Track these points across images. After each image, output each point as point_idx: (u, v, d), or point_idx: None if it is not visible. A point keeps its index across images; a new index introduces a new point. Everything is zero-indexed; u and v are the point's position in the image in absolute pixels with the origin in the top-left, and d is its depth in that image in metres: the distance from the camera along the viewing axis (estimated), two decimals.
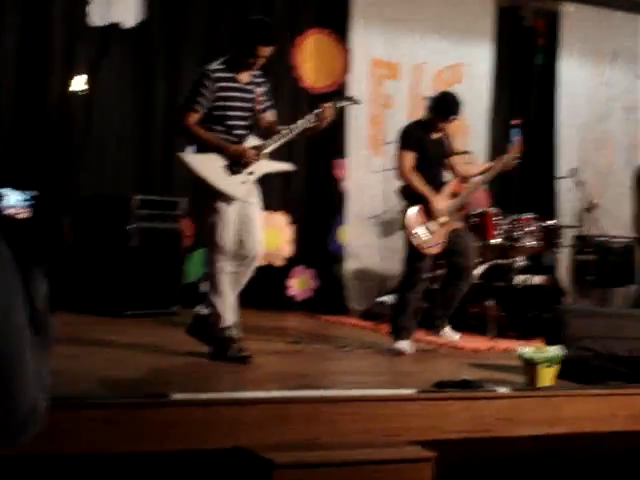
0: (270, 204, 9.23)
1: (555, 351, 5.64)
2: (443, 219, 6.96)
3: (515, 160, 7.34)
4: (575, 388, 5.67)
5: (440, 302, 7.22)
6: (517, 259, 8.57)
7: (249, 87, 6.10)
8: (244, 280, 6.09)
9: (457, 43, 9.93)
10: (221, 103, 5.97)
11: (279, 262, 9.36)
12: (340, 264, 9.56)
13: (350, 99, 6.82)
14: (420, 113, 9.60)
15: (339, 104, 6.51)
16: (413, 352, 6.83)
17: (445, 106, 7.05)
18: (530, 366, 5.61)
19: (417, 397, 5.20)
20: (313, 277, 9.48)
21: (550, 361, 5.58)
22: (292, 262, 9.44)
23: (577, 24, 10.43)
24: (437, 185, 7.02)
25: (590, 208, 9.76)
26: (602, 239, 9.79)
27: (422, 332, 7.29)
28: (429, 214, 6.93)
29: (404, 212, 7.00)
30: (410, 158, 6.91)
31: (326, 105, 6.18)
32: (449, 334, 7.21)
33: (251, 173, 6.02)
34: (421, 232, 6.89)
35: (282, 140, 6.16)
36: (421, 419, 5.12)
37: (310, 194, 9.51)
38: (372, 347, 7.05)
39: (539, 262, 9.30)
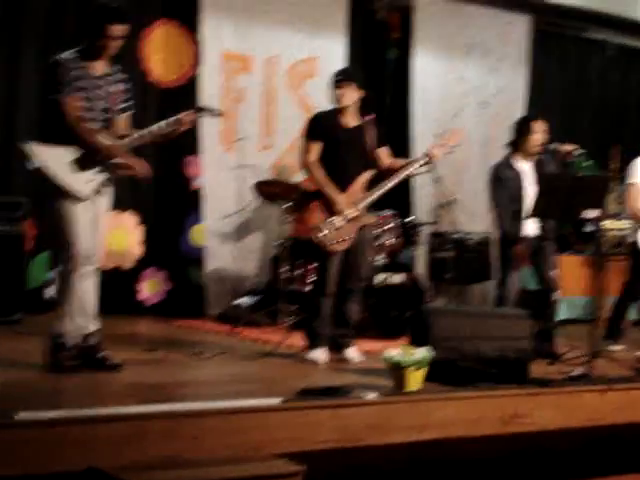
0: (118, 203, 8.76)
1: (423, 353, 5.44)
2: (351, 213, 6.62)
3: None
4: (444, 391, 5.49)
5: (339, 319, 6.74)
6: (376, 257, 8.37)
7: (103, 80, 5.75)
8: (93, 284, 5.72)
9: (310, 36, 9.66)
10: (73, 94, 5.57)
11: (128, 264, 8.93)
12: (194, 265, 9.17)
13: (212, 110, 6.42)
14: (272, 108, 9.42)
15: (200, 114, 6.24)
16: (327, 361, 6.54)
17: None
18: (398, 370, 5.41)
19: (282, 407, 4.91)
20: (165, 280, 9.07)
21: (418, 364, 5.40)
22: (142, 264, 9.00)
23: (430, 18, 10.30)
24: (349, 177, 6.66)
25: (446, 204, 9.62)
26: (458, 235, 9.69)
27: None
28: (332, 209, 6.57)
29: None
30: (312, 148, 6.57)
31: (186, 113, 5.94)
32: (354, 354, 6.75)
33: (99, 172, 5.63)
34: (324, 228, 6.55)
35: (137, 142, 5.81)
36: (287, 430, 4.87)
37: (160, 193, 9.08)
38: (231, 353, 6.73)
39: (396, 260, 9.11)
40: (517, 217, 7.32)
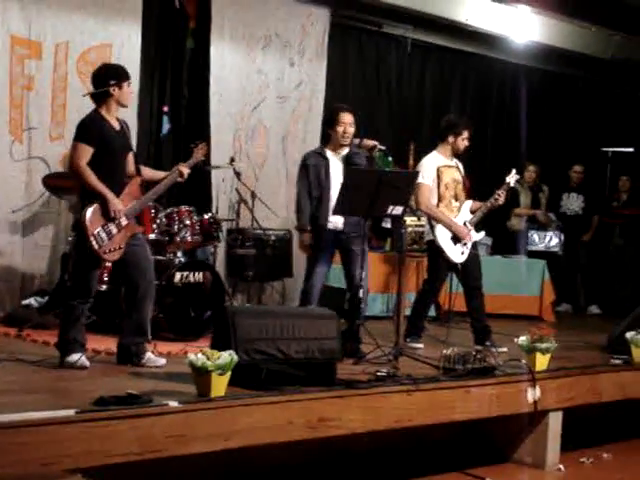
0: None
1: (227, 357, 5.14)
2: (123, 221, 6.22)
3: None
4: (250, 396, 5.23)
5: (131, 328, 6.35)
6: (176, 255, 8.05)
7: None
8: None
9: (104, 22, 9.19)
10: None
11: None
12: None
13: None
14: (64, 96, 8.92)
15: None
16: (89, 366, 6.10)
17: (114, 71, 6.37)
18: (202, 374, 5.10)
19: (75, 419, 4.53)
20: None
21: (222, 368, 5.10)
22: None
23: (229, 7, 10.02)
24: (119, 182, 6.27)
25: (246, 200, 9.39)
26: (259, 232, 9.46)
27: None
28: (107, 215, 6.16)
29: (78, 210, 6.19)
30: (84, 151, 6.09)
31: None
32: (152, 360, 6.35)
33: None
34: (99, 235, 6.12)
35: None
36: (82, 443, 4.55)
37: None
38: (19, 358, 6.24)
39: (194, 257, 8.81)
40: (318, 206, 7.22)
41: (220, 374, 5.09)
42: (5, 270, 8.69)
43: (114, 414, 4.65)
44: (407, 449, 6.43)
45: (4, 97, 8.63)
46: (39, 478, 4.26)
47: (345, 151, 7.32)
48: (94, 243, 6.09)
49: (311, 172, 7.34)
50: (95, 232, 6.08)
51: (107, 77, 6.27)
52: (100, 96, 6.24)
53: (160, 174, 6.66)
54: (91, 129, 6.17)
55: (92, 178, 6.08)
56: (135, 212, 6.34)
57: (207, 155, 9.70)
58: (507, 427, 6.81)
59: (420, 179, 7.56)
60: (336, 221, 7.27)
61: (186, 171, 6.58)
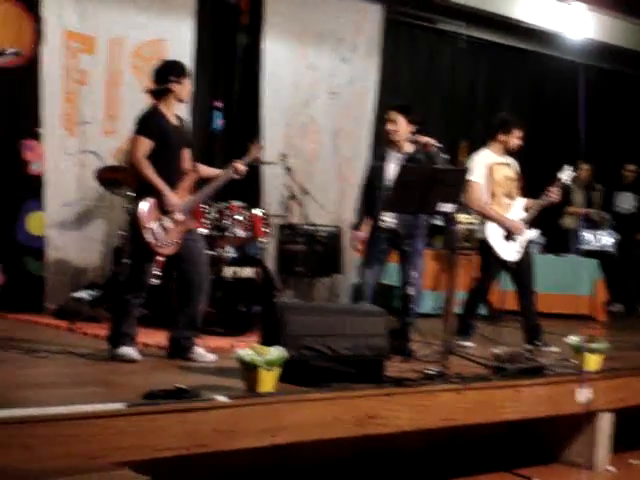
0: None
1: (276, 352, 5.14)
2: (179, 216, 6.25)
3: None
4: (298, 392, 5.23)
5: (183, 322, 6.39)
6: (226, 250, 8.07)
7: None
8: None
9: (157, 18, 9.26)
10: None
11: None
12: (32, 256, 8.67)
13: None
14: (117, 92, 8.98)
15: None
16: (140, 359, 6.13)
17: (174, 67, 6.40)
18: (250, 370, 5.09)
19: (125, 412, 4.55)
20: None
21: (271, 364, 5.10)
22: None
23: (281, 3, 10.05)
24: (176, 178, 6.30)
25: (297, 196, 9.40)
26: (309, 228, 9.47)
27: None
28: (163, 209, 6.20)
29: (135, 204, 6.20)
30: (144, 144, 6.13)
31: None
32: (202, 355, 6.38)
33: None
34: (155, 229, 6.16)
35: None
36: (131, 437, 4.53)
37: None
38: (70, 351, 6.29)
39: (245, 253, 8.83)
40: (371, 206, 7.20)
41: (268, 370, 5.08)
42: (58, 263, 8.77)
43: (163, 408, 4.65)
44: (454, 448, 6.40)
45: (58, 91, 8.71)
46: (87, 471, 4.24)
47: (407, 150, 7.29)
48: (149, 237, 6.12)
49: (371, 173, 7.36)
50: (150, 226, 6.12)
51: (168, 73, 6.33)
52: (160, 92, 6.30)
53: (215, 171, 6.68)
54: (151, 123, 6.22)
55: (150, 172, 6.12)
56: (191, 207, 6.37)
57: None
58: (557, 427, 6.76)
59: (470, 176, 7.50)
60: (389, 220, 7.23)
61: (242, 168, 6.58)
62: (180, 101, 6.42)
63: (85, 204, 8.90)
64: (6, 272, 8.58)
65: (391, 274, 8.07)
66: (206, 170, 6.66)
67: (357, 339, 5.72)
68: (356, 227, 7.41)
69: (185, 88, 6.40)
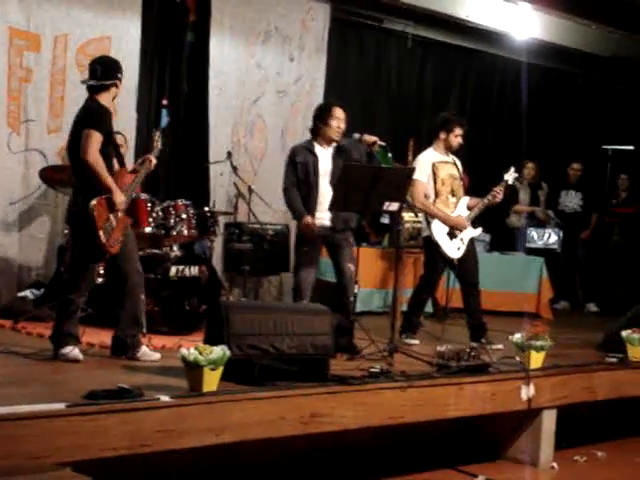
0: None
1: (220, 351, 5.13)
2: (120, 214, 6.20)
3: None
4: (242, 391, 5.22)
5: (125, 320, 6.32)
6: (172, 249, 8.03)
7: None
8: None
9: (103, 15, 9.16)
10: None
11: None
12: None
13: None
14: (62, 89, 8.90)
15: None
16: (83, 359, 6.09)
17: (115, 65, 6.37)
18: (193, 369, 5.08)
19: (66, 412, 4.52)
20: None
21: (215, 363, 5.09)
22: None
23: (229, 1, 9.99)
24: (111, 173, 6.21)
25: (244, 194, 9.39)
26: (255, 226, 9.45)
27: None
28: (110, 207, 6.13)
29: (84, 202, 6.08)
30: (98, 140, 6.04)
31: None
32: (146, 354, 6.34)
33: None
34: (107, 228, 6.09)
35: None
36: (72, 437, 4.52)
37: None
38: (13, 351, 6.24)
39: (192, 251, 8.81)
40: (307, 202, 7.18)
41: (212, 369, 5.07)
42: (1, 262, 8.67)
43: (104, 408, 4.63)
44: (400, 445, 6.42)
45: (2, 89, 8.60)
46: (28, 472, 4.22)
47: (332, 145, 7.31)
48: (103, 236, 6.07)
49: (300, 169, 7.26)
50: (103, 225, 6.07)
51: (116, 70, 6.33)
52: (103, 87, 6.25)
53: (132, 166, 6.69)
54: (103, 118, 6.17)
55: (104, 169, 6.06)
56: (126, 204, 6.31)
57: (205, 149, 9.79)
58: (501, 424, 6.80)
59: (415, 175, 7.53)
60: (323, 217, 7.23)
61: (154, 161, 6.54)
62: (113, 99, 6.40)
63: (29, 203, 8.81)
64: None
65: (324, 270, 8.10)
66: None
67: (302, 338, 5.70)
68: (302, 214, 7.25)
69: (120, 89, 6.42)
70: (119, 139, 7.82)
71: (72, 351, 6.07)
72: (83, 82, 6.45)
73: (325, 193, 7.16)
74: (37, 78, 8.82)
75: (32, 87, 8.80)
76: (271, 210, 10.01)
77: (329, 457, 6.04)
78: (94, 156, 6.02)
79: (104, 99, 6.26)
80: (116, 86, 6.30)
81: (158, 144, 6.66)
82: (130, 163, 7.22)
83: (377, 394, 5.78)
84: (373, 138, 7.21)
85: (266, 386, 5.37)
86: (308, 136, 7.53)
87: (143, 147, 8.99)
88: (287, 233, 9.91)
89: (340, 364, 6.19)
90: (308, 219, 7.20)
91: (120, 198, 6.13)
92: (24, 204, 8.81)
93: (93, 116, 6.17)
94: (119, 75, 6.32)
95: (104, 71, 6.29)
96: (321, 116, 7.32)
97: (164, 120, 9.97)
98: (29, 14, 8.74)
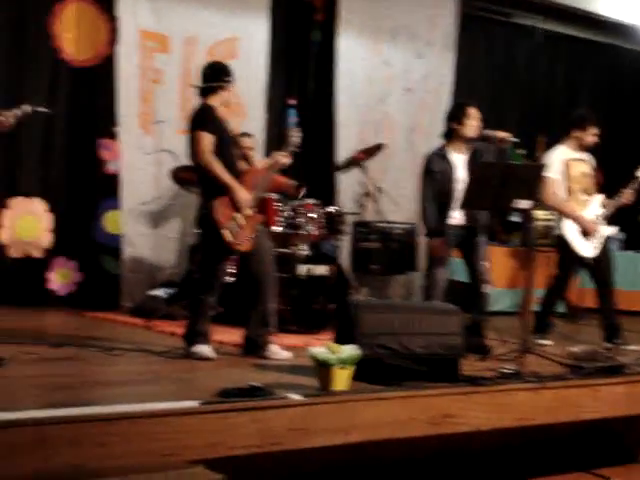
0: (26, 189, 8.40)
1: (350, 351, 5.11)
2: (249, 212, 6.25)
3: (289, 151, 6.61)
4: (371, 391, 5.18)
5: (255, 320, 6.38)
6: (300, 248, 8.05)
7: None
8: None
9: (231, 16, 9.28)
10: None
11: (37, 253, 8.48)
12: (109, 254, 8.77)
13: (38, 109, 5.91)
14: (191, 90, 8.99)
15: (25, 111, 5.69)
16: (215, 357, 6.14)
17: (222, 69, 6.43)
18: (324, 368, 5.08)
19: (199, 410, 4.54)
20: (75, 269, 8.63)
21: (345, 362, 5.07)
22: (52, 253, 8.54)
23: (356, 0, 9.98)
24: (235, 173, 6.28)
25: (371, 193, 9.35)
26: (383, 225, 9.42)
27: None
28: (235, 206, 6.20)
29: (207, 203, 6.21)
30: (209, 140, 6.13)
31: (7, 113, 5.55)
32: (276, 352, 6.38)
33: None
34: (232, 227, 6.16)
35: None
36: (204, 435, 4.52)
37: (72, 177, 8.68)
38: (146, 349, 6.34)
39: (320, 250, 8.81)
40: (442, 211, 7.08)
41: (342, 368, 5.06)
42: (134, 261, 8.84)
43: (236, 406, 4.64)
44: (531, 447, 6.29)
45: (134, 91, 8.78)
46: (162, 469, 4.26)
47: (470, 148, 7.17)
48: (228, 235, 6.13)
49: (437, 179, 7.08)
50: (228, 225, 6.12)
51: (222, 73, 6.39)
52: (211, 90, 6.32)
53: (263, 162, 6.71)
54: (208, 118, 6.23)
55: (219, 168, 6.12)
56: (257, 201, 6.35)
57: (333, 148, 9.78)
58: (637, 427, 6.62)
59: (546, 172, 7.36)
60: (457, 217, 7.12)
61: (283, 159, 6.52)
62: (225, 105, 6.45)
63: (161, 203, 8.96)
64: (83, 270, 8.68)
65: (456, 270, 8.00)
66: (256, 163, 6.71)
67: (432, 337, 5.66)
68: (435, 233, 7.16)
69: (232, 94, 6.49)
70: (248, 141, 7.91)
71: (204, 349, 6.14)
72: (192, 86, 6.54)
73: (459, 197, 7.06)
74: (167, 79, 8.98)
75: (162, 88, 8.95)
76: (399, 209, 9.97)
77: (458, 458, 5.95)
78: (207, 157, 6.10)
79: (213, 102, 6.32)
80: (224, 89, 6.34)
81: (293, 139, 6.65)
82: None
83: (509, 395, 5.67)
84: (504, 134, 7.08)
85: (396, 386, 5.32)
86: (435, 134, 7.44)
87: (272, 146, 9.05)
88: (414, 232, 9.83)
89: (470, 364, 6.10)
90: (438, 242, 7.11)
91: (243, 196, 6.17)
92: (156, 204, 8.97)
93: (200, 117, 6.25)
94: (226, 78, 6.36)
95: (211, 74, 6.37)
96: (456, 116, 7.15)
97: (291, 119, 10.00)
98: (159, 16, 8.90)
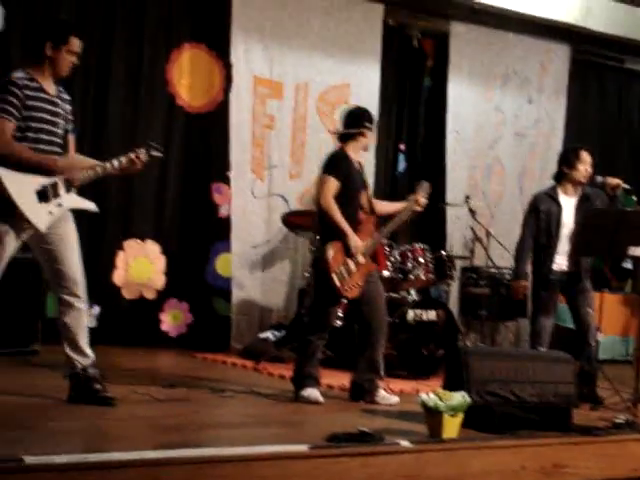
0: (141, 232, 8.57)
1: (460, 398, 5.08)
2: (361, 259, 6.30)
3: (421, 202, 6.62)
4: (482, 439, 5.14)
5: (364, 365, 6.39)
6: (410, 293, 8.05)
7: (57, 100, 5.43)
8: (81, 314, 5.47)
9: (343, 62, 9.38)
10: (27, 113, 5.25)
11: (151, 295, 8.63)
12: (219, 297, 8.88)
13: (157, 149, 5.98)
14: (303, 135, 9.13)
15: (153, 153, 5.68)
16: (323, 401, 6.17)
17: (362, 115, 6.48)
18: (434, 415, 5.05)
19: (309, 454, 4.56)
20: (187, 311, 8.76)
21: (455, 409, 5.04)
22: (164, 294, 8.69)
23: (467, 45, 10.02)
24: (356, 220, 6.35)
25: (481, 238, 9.30)
26: (493, 271, 9.35)
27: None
28: (347, 252, 6.25)
29: (321, 247, 6.29)
30: (334, 186, 6.22)
31: (139, 151, 5.55)
32: (385, 398, 6.38)
33: (60, 205, 5.32)
34: (341, 272, 6.22)
35: (95, 175, 5.49)
36: (313, 479, 4.49)
37: (185, 220, 8.82)
38: (256, 391, 6.41)
39: (428, 295, 8.80)
40: (542, 253, 7.02)
41: (452, 415, 5.03)
42: (245, 304, 8.93)
43: (346, 451, 4.64)
44: None
45: (247, 136, 8.91)
46: None
47: (578, 192, 7.09)
48: (336, 280, 6.17)
49: (542, 219, 7.08)
50: (338, 270, 6.17)
51: (362, 118, 6.44)
52: (350, 136, 6.38)
53: (395, 205, 6.69)
54: (340, 164, 6.30)
55: (338, 214, 6.19)
56: (371, 249, 6.39)
57: (442, 193, 9.76)
58: None
59: None
60: (561, 262, 7.04)
61: (423, 200, 6.56)
62: (364, 149, 6.50)
63: (271, 246, 9.05)
64: (194, 312, 8.80)
65: (561, 316, 7.88)
66: (386, 206, 6.69)
67: (544, 386, 5.61)
68: (521, 277, 7.21)
69: (372, 137, 6.53)
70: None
71: (312, 393, 6.17)
72: (331, 132, 6.60)
73: (565, 242, 6.99)
74: (279, 125, 9.10)
75: (275, 134, 9.07)
76: (508, 254, 9.87)
77: None
78: (327, 201, 6.18)
79: (351, 148, 6.38)
80: (363, 135, 6.40)
81: (422, 191, 6.64)
82: None
83: (621, 445, 5.56)
84: (616, 181, 7.00)
85: (506, 434, 5.26)
86: (546, 179, 7.38)
87: (380, 193, 9.09)
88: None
89: (582, 414, 6.01)
90: (522, 284, 7.16)
91: (356, 243, 6.21)
92: (266, 247, 9.06)
93: (331, 163, 6.34)
94: (366, 124, 6.41)
95: (352, 121, 6.43)
96: (568, 160, 7.10)
97: (401, 165, 10.07)
98: (272, 62, 9.04)
